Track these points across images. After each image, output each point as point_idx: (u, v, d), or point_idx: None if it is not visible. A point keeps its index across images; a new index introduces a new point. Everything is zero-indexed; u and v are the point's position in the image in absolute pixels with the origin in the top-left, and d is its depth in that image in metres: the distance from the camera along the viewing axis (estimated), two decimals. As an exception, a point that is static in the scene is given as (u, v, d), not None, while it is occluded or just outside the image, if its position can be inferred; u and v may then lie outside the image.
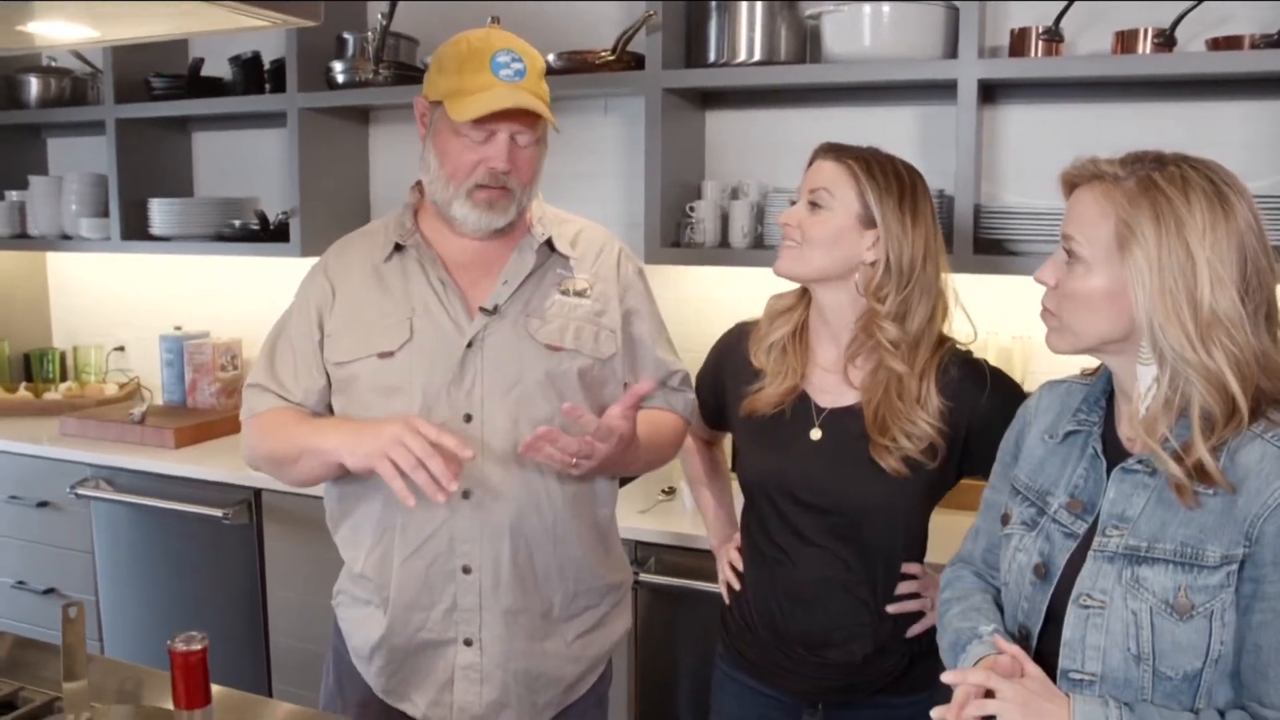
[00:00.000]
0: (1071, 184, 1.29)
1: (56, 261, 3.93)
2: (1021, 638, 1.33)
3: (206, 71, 3.26)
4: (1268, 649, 1.15)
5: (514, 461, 1.61)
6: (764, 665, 1.73)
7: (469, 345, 1.62)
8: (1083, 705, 1.18)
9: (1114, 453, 1.30)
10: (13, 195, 3.64)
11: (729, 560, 1.81)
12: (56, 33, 1.30)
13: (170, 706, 1.44)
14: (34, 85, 3.47)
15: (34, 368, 3.78)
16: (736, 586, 1.78)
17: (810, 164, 1.69)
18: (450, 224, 1.67)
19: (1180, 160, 1.22)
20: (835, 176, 1.62)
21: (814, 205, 1.63)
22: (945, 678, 1.26)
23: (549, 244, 1.70)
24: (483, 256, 1.68)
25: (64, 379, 3.79)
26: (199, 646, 0.92)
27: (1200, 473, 1.18)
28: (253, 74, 3.17)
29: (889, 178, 1.61)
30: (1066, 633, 1.25)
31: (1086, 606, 1.24)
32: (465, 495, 1.61)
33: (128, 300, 3.79)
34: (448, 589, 1.64)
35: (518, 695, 1.68)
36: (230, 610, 2.88)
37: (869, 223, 1.60)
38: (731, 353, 1.81)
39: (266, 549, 2.83)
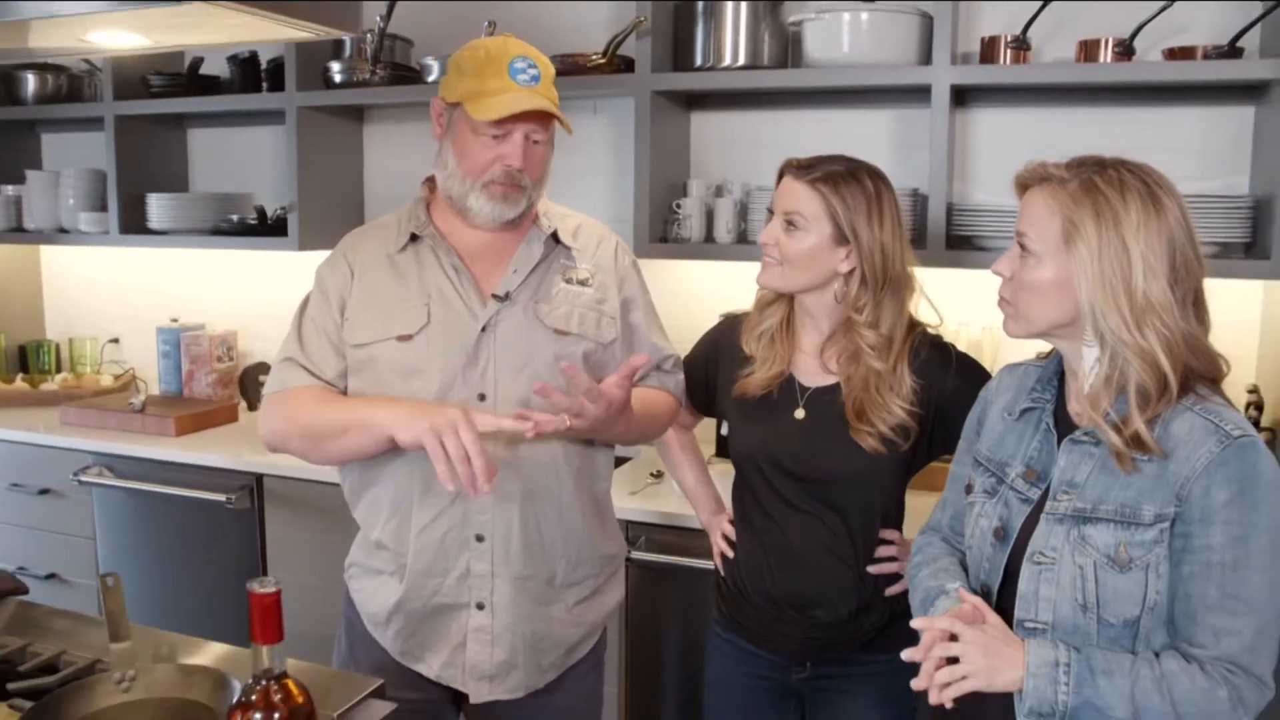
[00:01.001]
0: (1024, 185, 1.44)
1: (50, 255, 4.00)
2: (983, 594, 1.48)
3: (203, 69, 3.35)
4: (1196, 596, 1.30)
5: (522, 436, 1.72)
6: (756, 628, 1.87)
7: (483, 329, 1.74)
8: (1036, 648, 1.33)
9: (1064, 426, 1.45)
10: (8, 190, 3.71)
11: (722, 532, 1.95)
12: (114, 41, 1.40)
13: (205, 664, 1.56)
14: (31, 82, 3.54)
15: (30, 359, 3.85)
16: (730, 555, 1.91)
17: (780, 179, 1.82)
18: (463, 216, 1.78)
19: (1119, 164, 1.36)
20: (807, 201, 1.75)
21: (790, 225, 1.76)
22: (914, 623, 1.40)
23: (554, 236, 1.82)
24: (493, 247, 1.80)
25: (59, 371, 3.86)
26: (274, 589, 1.04)
27: (1137, 442, 1.33)
28: (250, 73, 3.27)
29: (855, 193, 1.74)
30: (1021, 586, 1.40)
31: (1039, 563, 1.39)
32: None
33: (121, 293, 3.88)
34: (462, 556, 1.75)
35: (525, 656, 1.80)
36: (231, 593, 2.97)
37: (842, 240, 1.75)
38: (724, 341, 1.95)
39: (268, 533, 2.93)
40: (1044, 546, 1.39)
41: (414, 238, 1.79)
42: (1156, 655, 1.32)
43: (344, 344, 1.78)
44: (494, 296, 1.76)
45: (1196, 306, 1.36)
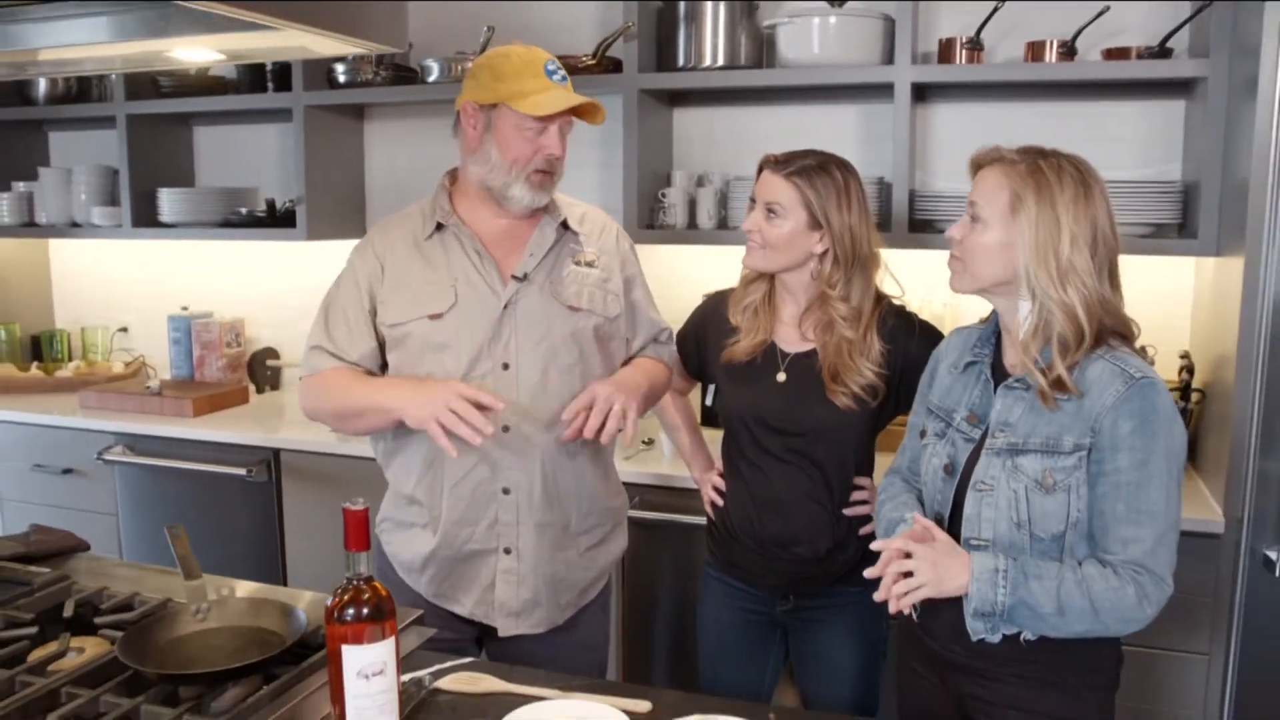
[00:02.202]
0: (978, 165, 1.69)
1: (58, 248, 4.18)
2: (937, 521, 1.73)
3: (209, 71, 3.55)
4: (1108, 512, 1.57)
5: (543, 401, 1.96)
6: (744, 566, 2.12)
7: (505, 307, 1.96)
8: (979, 558, 1.59)
9: (1000, 376, 1.71)
10: (20, 186, 3.88)
11: (712, 485, 2.19)
12: (190, 55, 1.61)
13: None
14: (42, 82, 3.71)
15: (43, 348, 4.03)
16: (720, 503, 2.16)
17: (760, 172, 2.07)
18: (491, 205, 1.99)
19: (1058, 154, 1.63)
20: (784, 192, 2.00)
21: (770, 213, 2.01)
22: (873, 545, 1.65)
23: (563, 224, 2.05)
24: (511, 233, 2.02)
25: (70, 359, 4.04)
26: (362, 507, 1.26)
27: (1059, 384, 1.59)
28: (256, 73, 3.46)
29: (826, 184, 1.99)
30: (966, 510, 1.66)
31: (980, 490, 1.64)
32: (505, 429, 1.94)
33: (128, 284, 4.07)
34: (490, 507, 1.98)
35: (546, 595, 2.02)
36: (250, 560, 3.18)
37: (816, 225, 1.99)
38: (713, 314, 2.20)
39: (285, 504, 3.14)
40: (984, 476, 1.64)
41: (439, 226, 2.01)
42: (1079, 564, 1.58)
43: (379, 324, 1.99)
44: (513, 277, 1.98)
45: (1112, 276, 1.63)
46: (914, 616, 1.77)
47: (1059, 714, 1.67)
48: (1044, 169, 1.59)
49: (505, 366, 1.96)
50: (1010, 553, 1.61)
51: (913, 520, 1.68)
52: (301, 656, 1.60)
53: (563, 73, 1.95)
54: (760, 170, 2.06)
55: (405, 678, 1.52)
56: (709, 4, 2.88)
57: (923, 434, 1.81)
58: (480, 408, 1.79)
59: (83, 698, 1.45)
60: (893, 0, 2.75)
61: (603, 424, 1.87)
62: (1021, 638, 1.63)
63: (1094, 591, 1.54)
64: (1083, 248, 1.57)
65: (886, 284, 2.11)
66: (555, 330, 1.97)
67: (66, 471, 3.40)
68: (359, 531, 1.25)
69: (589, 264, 2.05)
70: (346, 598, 1.27)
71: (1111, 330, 1.62)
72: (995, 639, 1.64)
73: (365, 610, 1.26)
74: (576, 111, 1.95)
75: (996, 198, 1.63)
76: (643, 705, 1.50)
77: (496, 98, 1.92)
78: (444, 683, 1.57)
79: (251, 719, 1.43)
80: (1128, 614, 1.55)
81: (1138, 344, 1.68)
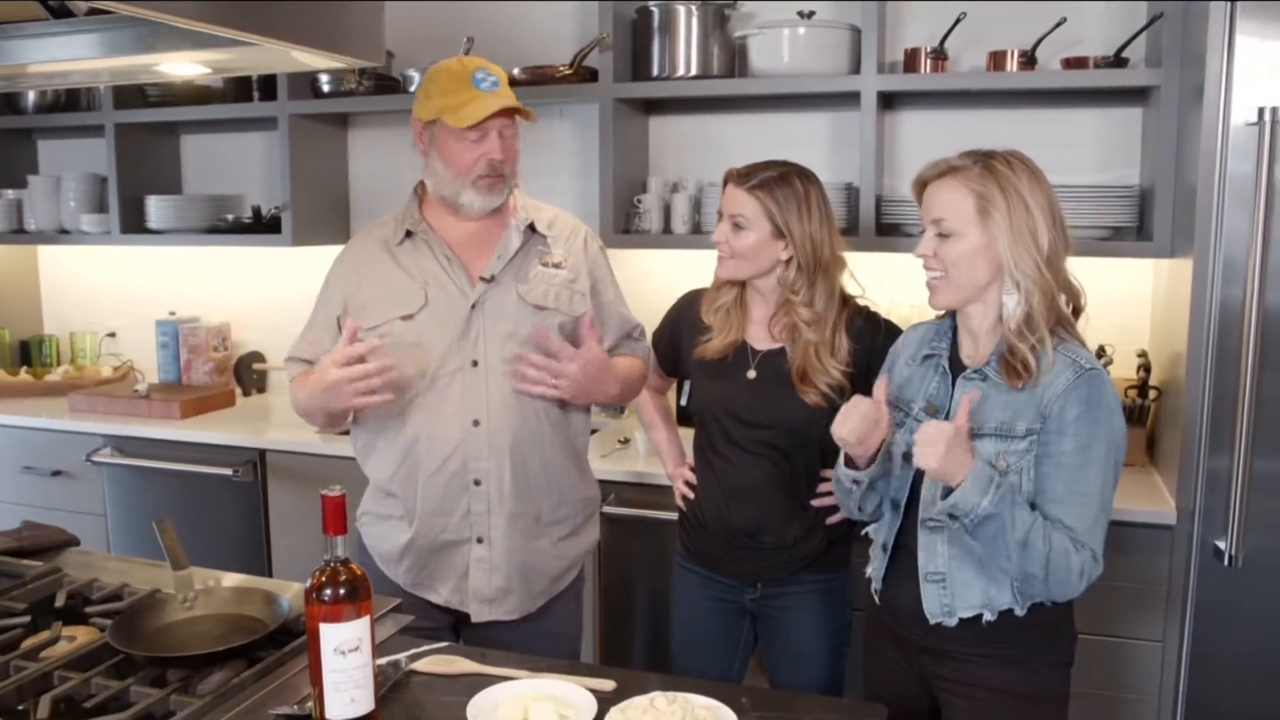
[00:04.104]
0: (924, 183, 1.77)
1: (48, 255, 4.24)
2: (894, 506, 1.81)
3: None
4: (1048, 491, 1.67)
5: (512, 396, 2.04)
6: (714, 556, 2.20)
7: (473, 307, 2.05)
8: (980, 464, 1.62)
9: (957, 369, 1.80)
10: (8, 194, 3.95)
11: (684, 479, 2.28)
12: (177, 69, 1.69)
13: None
14: (31, 92, 3.78)
15: (32, 353, 4.09)
16: (690, 496, 2.24)
17: (725, 186, 2.15)
18: (454, 212, 2.09)
19: (1000, 151, 1.73)
20: (747, 205, 2.09)
21: (736, 226, 2.10)
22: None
23: (531, 226, 2.13)
24: (478, 237, 2.11)
25: (59, 363, 4.10)
26: (340, 493, 1.34)
27: (1035, 353, 1.67)
28: (242, 83, 3.54)
29: (787, 194, 2.08)
30: (924, 493, 1.75)
31: None
32: (475, 424, 2.03)
33: (116, 289, 4.13)
34: (463, 499, 2.06)
35: (518, 583, 2.10)
36: (236, 557, 3.24)
37: (779, 234, 2.09)
38: (686, 312, 2.29)
39: (270, 503, 3.21)
40: None
41: (409, 234, 2.10)
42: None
43: (335, 329, 2.07)
44: (481, 279, 2.06)
45: (1067, 248, 1.74)
46: (876, 599, 1.85)
47: (1020, 691, 1.76)
48: (997, 166, 1.69)
49: (474, 364, 2.04)
50: (965, 534, 1.67)
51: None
52: (284, 642, 1.67)
53: (493, 79, 2.03)
54: (725, 183, 2.15)
55: (382, 660, 1.60)
56: (682, 15, 2.98)
57: None
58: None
59: (75, 680, 1.52)
60: (860, 4, 2.84)
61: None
62: (983, 620, 1.72)
63: (1054, 544, 1.62)
64: (1050, 228, 1.68)
65: (849, 285, 2.19)
66: (521, 328, 2.06)
67: (56, 473, 3.46)
68: (336, 516, 1.33)
69: (556, 265, 2.13)
70: (324, 578, 1.34)
71: (1058, 320, 1.71)
72: (952, 623, 1.73)
73: (341, 590, 1.34)
74: (512, 113, 2.04)
75: (961, 207, 1.70)
76: (608, 684, 1.57)
77: (432, 114, 2.03)
78: (420, 665, 1.64)
79: (235, 699, 1.50)
80: (1069, 579, 1.64)
81: (1096, 345, 1.79)
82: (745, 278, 2.15)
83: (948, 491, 1.62)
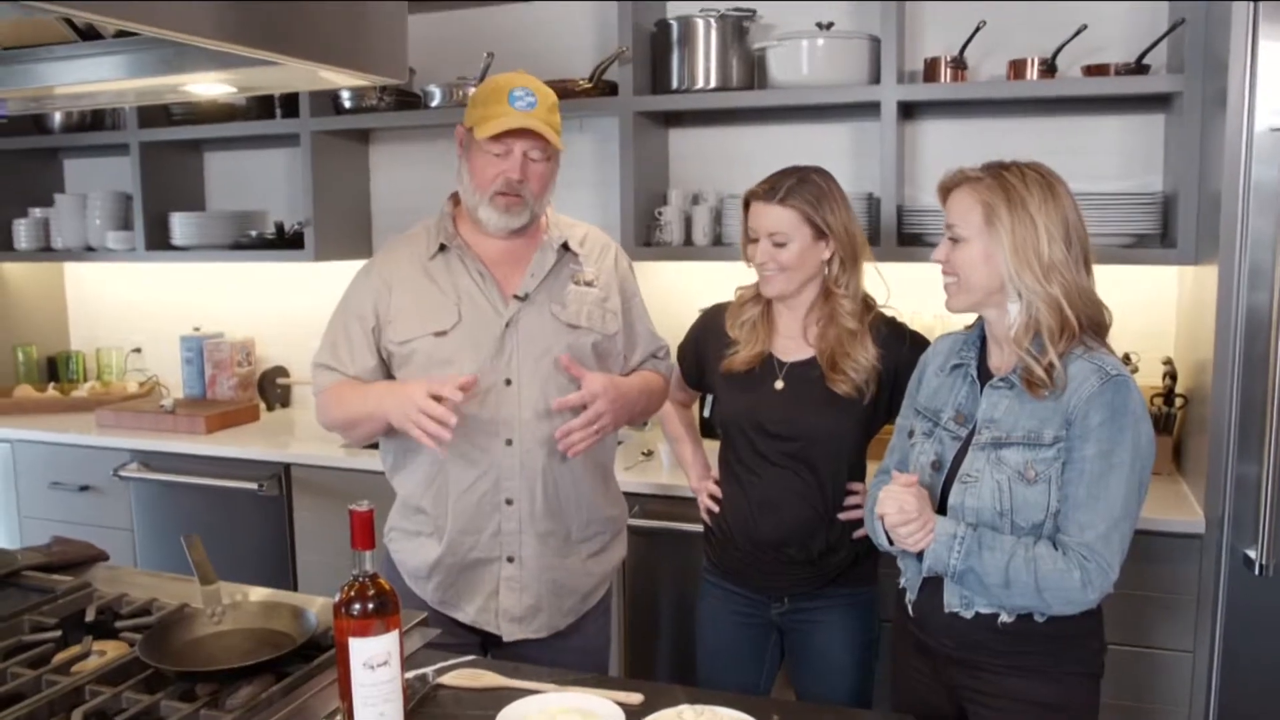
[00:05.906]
0: (946, 190, 1.79)
1: (74, 272, 4.29)
2: None
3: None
4: (1071, 496, 1.66)
5: (544, 416, 2.04)
6: (740, 570, 2.19)
7: (506, 325, 2.04)
8: (942, 522, 1.70)
9: (985, 378, 1.80)
10: (36, 212, 4.00)
11: (708, 492, 2.27)
12: (202, 88, 1.71)
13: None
14: (57, 112, 3.83)
15: (59, 369, 4.13)
16: (715, 509, 2.24)
17: (747, 206, 2.15)
18: (481, 227, 2.09)
19: (1018, 163, 1.74)
20: (784, 218, 2.08)
21: (778, 244, 2.09)
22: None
23: (564, 245, 2.13)
24: (511, 254, 2.10)
25: (86, 379, 4.15)
26: (368, 508, 1.35)
27: (1050, 370, 1.68)
28: (264, 100, 3.57)
29: (817, 194, 2.08)
30: (951, 501, 1.74)
31: (965, 482, 1.73)
32: (508, 443, 2.03)
33: (141, 306, 4.17)
34: (494, 517, 2.06)
35: (548, 601, 2.10)
36: (262, 572, 3.26)
37: (820, 235, 2.09)
38: (711, 325, 2.29)
39: (296, 517, 3.23)
40: (970, 469, 1.73)
41: (443, 247, 2.10)
42: (1035, 541, 1.67)
43: (388, 341, 2.07)
44: (515, 297, 2.06)
45: (1086, 266, 1.73)
46: (909, 610, 1.85)
47: (1049, 701, 1.75)
48: (1008, 179, 1.70)
49: (508, 382, 2.04)
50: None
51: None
52: (311, 656, 1.67)
53: (531, 99, 2.00)
54: (747, 204, 2.15)
55: (410, 674, 1.60)
56: (701, 28, 2.99)
57: (910, 434, 1.89)
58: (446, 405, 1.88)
59: (105, 694, 1.53)
60: (880, 13, 2.84)
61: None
62: (1000, 620, 1.73)
63: (1040, 571, 1.64)
64: (1059, 243, 1.68)
65: (873, 282, 2.20)
66: (555, 347, 2.05)
67: (84, 488, 3.49)
68: (365, 531, 1.34)
69: (588, 283, 2.13)
70: (352, 593, 1.35)
71: (1090, 322, 1.71)
72: (969, 615, 1.74)
73: (370, 605, 1.35)
74: (538, 137, 2.01)
75: (971, 215, 1.73)
76: (635, 697, 1.57)
77: (469, 121, 2.03)
78: (447, 679, 1.65)
79: (264, 714, 1.51)
80: (1070, 595, 1.64)
81: (1121, 352, 1.78)
82: (796, 288, 2.13)
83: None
